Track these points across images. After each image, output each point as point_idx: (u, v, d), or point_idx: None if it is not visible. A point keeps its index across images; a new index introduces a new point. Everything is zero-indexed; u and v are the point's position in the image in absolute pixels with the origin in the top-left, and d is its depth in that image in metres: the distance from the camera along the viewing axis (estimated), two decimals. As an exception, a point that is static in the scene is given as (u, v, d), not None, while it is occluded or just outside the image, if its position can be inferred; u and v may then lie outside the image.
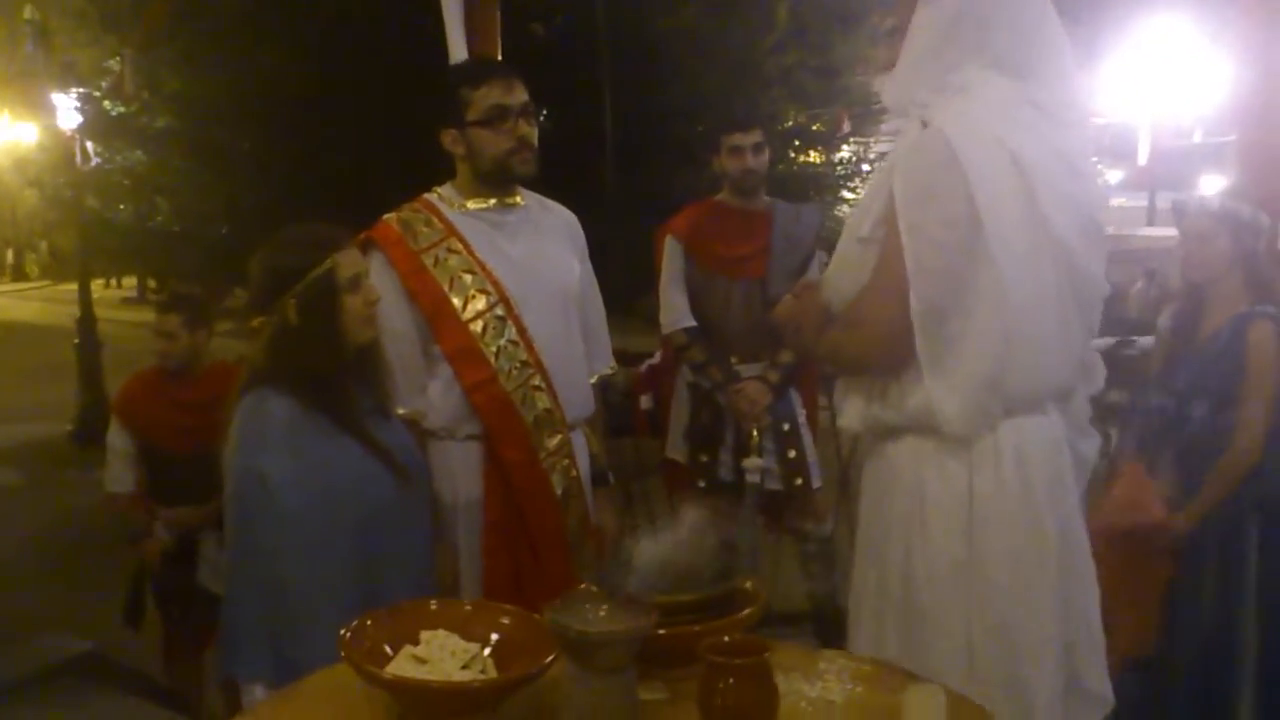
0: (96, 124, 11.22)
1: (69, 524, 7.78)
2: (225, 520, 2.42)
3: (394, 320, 2.78)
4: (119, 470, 4.31)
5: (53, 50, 11.35)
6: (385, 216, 2.94)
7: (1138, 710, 3.53)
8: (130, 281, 26.71)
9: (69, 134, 11.27)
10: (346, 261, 2.47)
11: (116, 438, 4.30)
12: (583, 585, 1.85)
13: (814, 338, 2.40)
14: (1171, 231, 3.87)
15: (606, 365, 3.25)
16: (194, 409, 4.09)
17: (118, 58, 9.84)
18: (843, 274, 2.34)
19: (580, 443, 3.04)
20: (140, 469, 4.36)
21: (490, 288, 2.87)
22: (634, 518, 4.63)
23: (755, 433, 4.30)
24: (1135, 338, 6.37)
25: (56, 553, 7.24)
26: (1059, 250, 2.17)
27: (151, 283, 21.64)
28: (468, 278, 2.86)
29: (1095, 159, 2.36)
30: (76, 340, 11.44)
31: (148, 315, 4.75)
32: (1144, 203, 22.47)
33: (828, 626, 4.53)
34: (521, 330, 2.88)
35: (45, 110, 12.57)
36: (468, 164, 2.92)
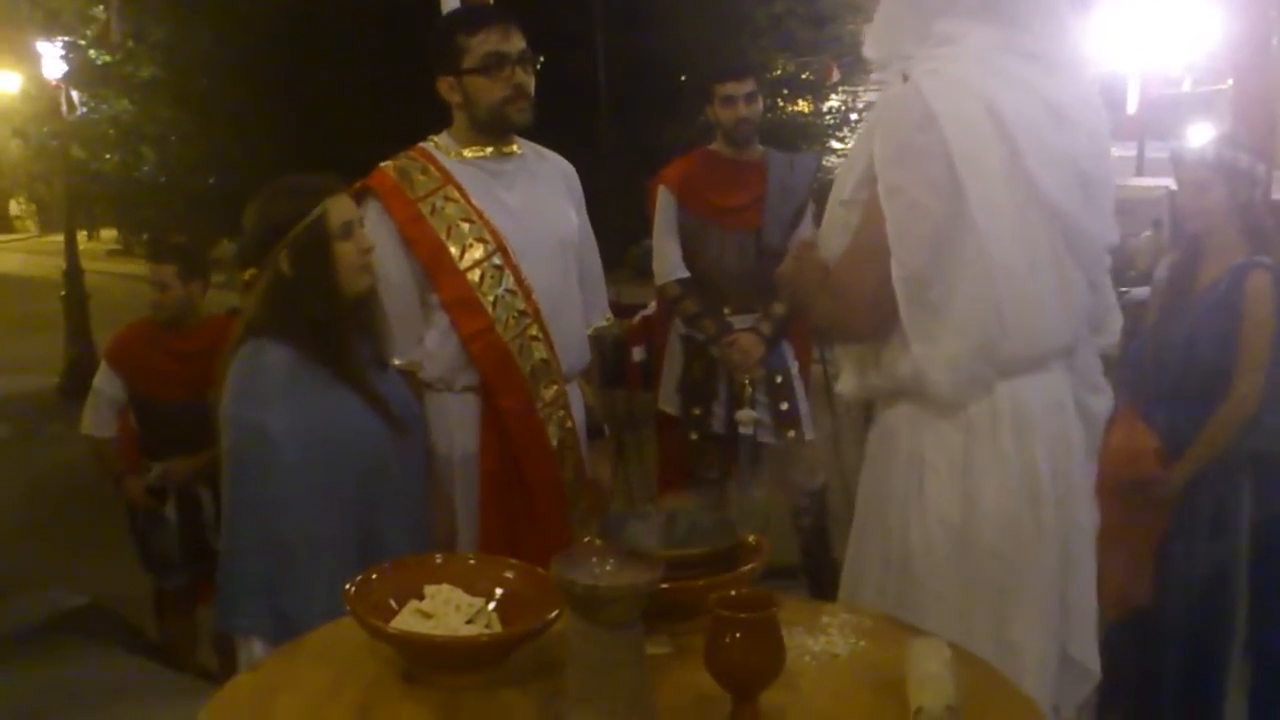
0: (82, 73, 11.12)
1: (57, 477, 7.77)
2: (223, 473, 2.41)
3: (391, 269, 2.76)
4: (103, 414, 4.29)
5: (36, -1, 11.21)
6: (381, 164, 2.91)
7: (1131, 662, 3.57)
8: (111, 233, 26.45)
9: (54, 83, 11.16)
10: (338, 209, 2.45)
11: (106, 383, 4.28)
12: (587, 539, 1.85)
13: (812, 297, 2.36)
14: (1162, 181, 3.85)
15: (603, 317, 3.24)
16: (188, 359, 4.08)
17: (103, 5, 9.73)
18: (831, 235, 2.29)
19: (576, 394, 3.03)
20: (127, 418, 4.35)
21: (488, 236, 2.84)
22: (626, 471, 4.64)
23: (748, 385, 4.29)
24: (1127, 289, 6.37)
25: (45, 507, 7.25)
26: (1049, 208, 2.10)
27: (123, 235, 21.53)
28: (465, 226, 2.84)
29: (1094, 99, 2.27)
30: (63, 292, 11.37)
31: (134, 267, 4.71)
32: (1133, 153, 22.40)
33: (819, 580, 4.55)
34: (519, 280, 2.86)
35: (30, 59, 12.44)
36: (464, 112, 2.89)
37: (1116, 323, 2.36)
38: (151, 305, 4.24)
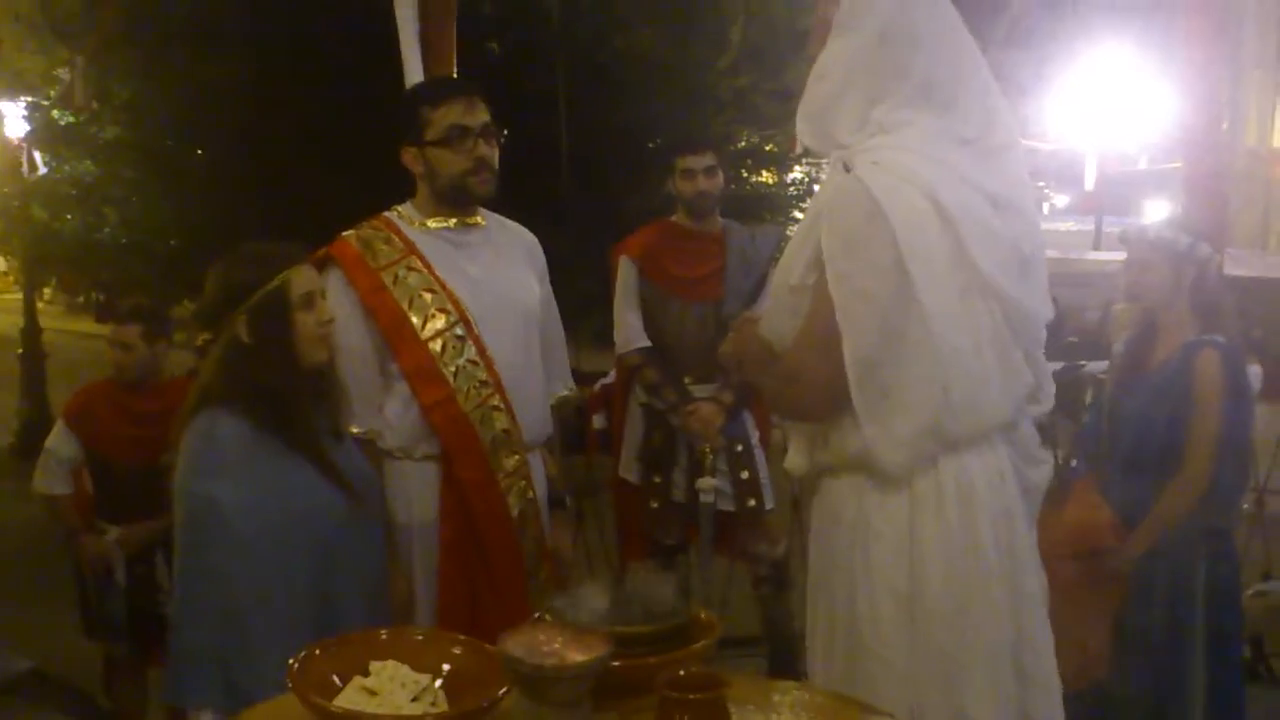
0: (45, 133, 11.10)
1: (7, 538, 7.64)
2: (176, 545, 2.38)
3: (351, 338, 2.76)
4: (56, 473, 4.22)
5: (1, 58, 11.20)
6: (344, 234, 2.91)
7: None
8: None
9: (16, 142, 11.13)
10: (300, 279, 2.45)
11: (61, 442, 4.21)
12: (536, 615, 1.83)
13: (756, 372, 2.40)
14: (1118, 255, 3.92)
15: (565, 387, 3.24)
16: (147, 420, 4.03)
17: (67, 67, 9.74)
18: (778, 317, 2.32)
19: (538, 464, 3.02)
20: (82, 480, 4.29)
21: (450, 306, 2.84)
22: (586, 538, 4.61)
23: (709, 453, 4.29)
24: (1083, 362, 6.42)
25: (-5, 567, 7.11)
26: (991, 291, 2.15)
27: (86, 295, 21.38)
28: (428, 296, 2.84)
29: (1032, 181, 2.32)
30: (20, 350, 11.26)
31: (91, 326, 4.68)
32: (1091, 227, 22.75)
33: (780, 650, 4.52)
34: (481, 350, 2.86)
35: (-8, 119, 12.41)
36: (426, 182, 2.90)
37: (1050, 389, 2.39)
38: (114, 366, 4.20)
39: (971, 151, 2.20)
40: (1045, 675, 2.27)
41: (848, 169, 2.17)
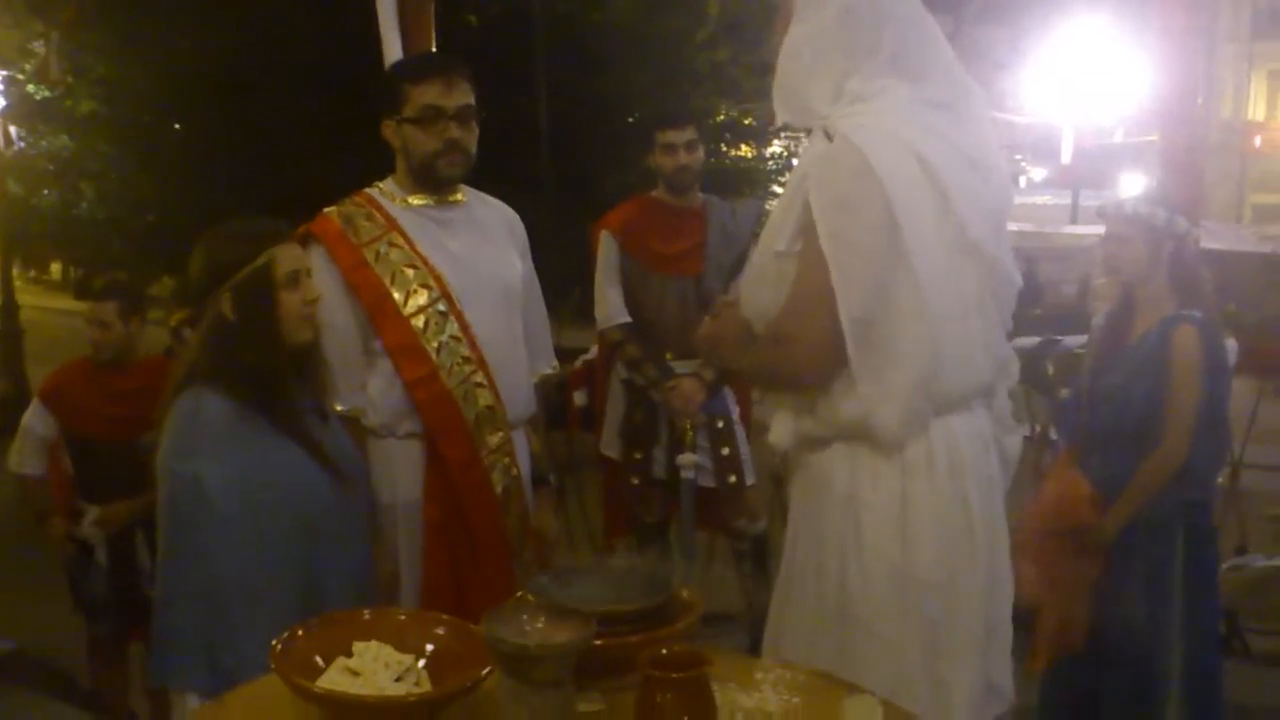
0: (20, 107, 11.00)
1: (-12, 518, 7.60)
2: (159, 524, 2.37)
3: (335, 315, 2.75)
4: (32, 453, 4.22)
5: (-27, 32, 11.09)
6: (326, 210, 2.90)
7: (1066, 707, 3.60)
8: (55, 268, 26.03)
9: (-9, 117, 11.03)
10: (285, 257, 2.44)
11: (37, 420, 4.21)
12: (519, 594, 1.83)
13: (735, 355, 2.40)
14: (1095, 229, 3.94)
15: (548, 365, 3.24)
16: (125, 398, 4.02)
17: (42, 40, 9.64)
18: (760, 289, 2.33)
19: (522, 441, 3.02)
20: (61, 459, 4.27)
21: (432, 282, 2.84)
22: (567, 515, 4.62)
23: (689, 429, 4.30)
24: (1060, 337, 6.45)
25: (-28, 547, 7.07)
26: (976, 250, 2.19)
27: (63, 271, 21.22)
28: (409, 272, 2.83)
29: (1009, 154, 2.36)
30: (-1, 327, 11.20)
31: (69, 303, 4.64)
32: (1068, 201, 22.82)
33: (762, 625, 4.53)
34: (464, 326, 2.85)
35: (-33, 94, 12.28)
36: (403, 158, 2.89)
37: (1015, 365, 2.44)
38: (92, 344, 4.18)
39: (947, 115, 2.23)
40: (1004, 631, 2.33)
41: (830, 136, 2.18)
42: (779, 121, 2.38)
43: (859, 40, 2.21)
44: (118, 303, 4.11)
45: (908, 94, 2.21)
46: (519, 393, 2.99)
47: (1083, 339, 4.65)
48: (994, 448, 2.31)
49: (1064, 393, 3.89)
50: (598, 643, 1.60)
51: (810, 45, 2.25)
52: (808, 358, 2.22)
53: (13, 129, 10.81)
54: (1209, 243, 3.94)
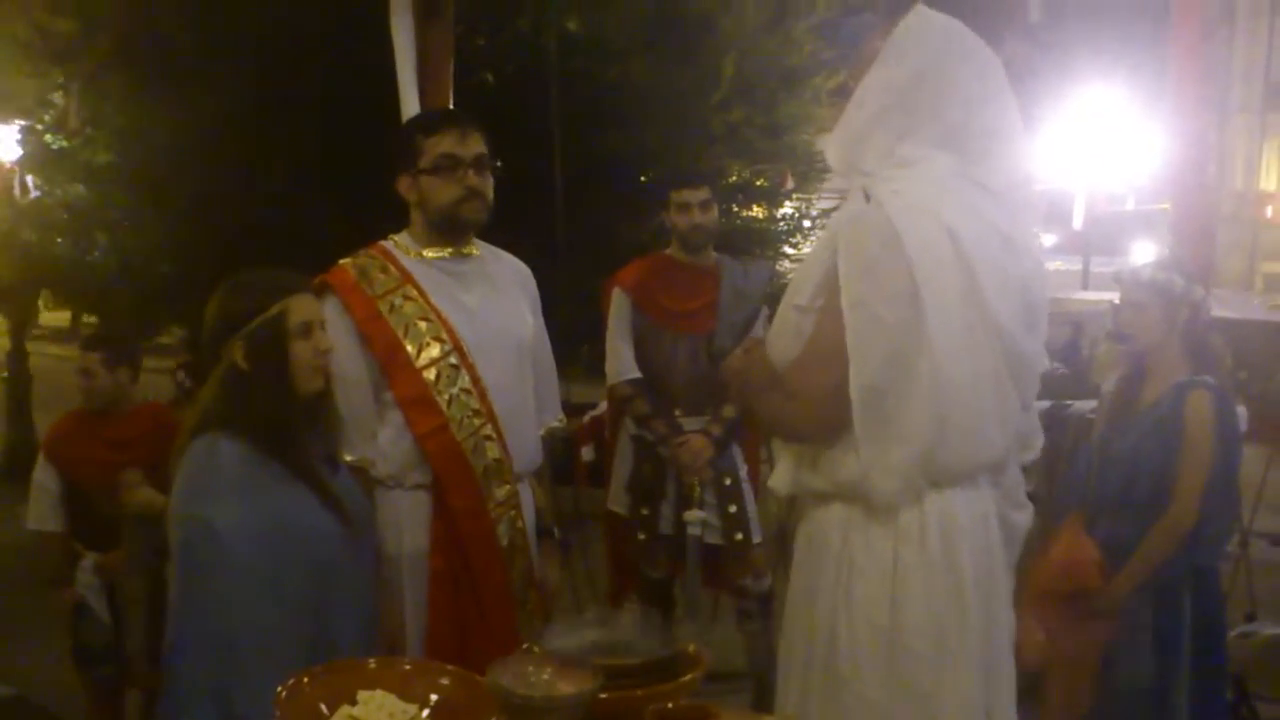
0: (37, 156, 11.07)
1: (-8, 563, 7.58)
2: (171, 571, 2.37)
3: (347, 366, 2.77)
4: (48, 509, 4.23)
5: (-6, 79, 11.21)
6: (341, 261, 2.92)
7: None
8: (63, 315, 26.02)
9: (8, 166, 11.13)
10: (299, 308, 2.46)
11: (45, 476, 4.23)
12: (525, 646, 1.83)
13: (757, 395, 2.41)
14: (1105, 295, 3.95)
15: (555, 418, 3.24)
16: (120, 447, 4.04)
17: (61, 91, 9.74)
18: (779, 340, 2.35)
19: (527, 494, 3.02)
20: (65, 511, 4.28)
21: (445, 335, 2.85)
22: (572, 569, 4.60)
23: (697, 486, 4.30)
24: (1070, 401, 6.43)
25: (-26, 593, 7.05)
26: (997, 330, 2.19)
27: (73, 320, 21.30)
28: (422, 325, 2.84)
29: (1036, 231, 2.39)
30: (5, 374, 11.21)
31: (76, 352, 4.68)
32: (1078, 266, 22.88)
33: (765, 685, 4.51)
34: (475, 379, 2.86)
35: (-14, 141, 12.42)
36: (420, 211, 2.91)
37: (1039, 440, 2.44)
38: (82, 393, 4.21)
39: (985, 192, 2.24)
40: (1007, 712, 2.29)
41: (868, 197, 2.20)
42: (792, 183, 2.41)
43: (922, 104, 2.23)
44: (102, 353, 4.14)
45: (952, 167, 2.22)
46: (526, 446, 3.00)
47: (1093, 404, 4.64)
48: (996, 522, 2.29)
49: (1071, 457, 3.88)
50: (603, 696, 1.59)
51: (878, 97, 2.27)
52: (810, 414, 2.25)
53: (29, 178, 10.89)
54: (1220, 311, 3.94)
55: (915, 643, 2.15)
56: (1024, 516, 2.39)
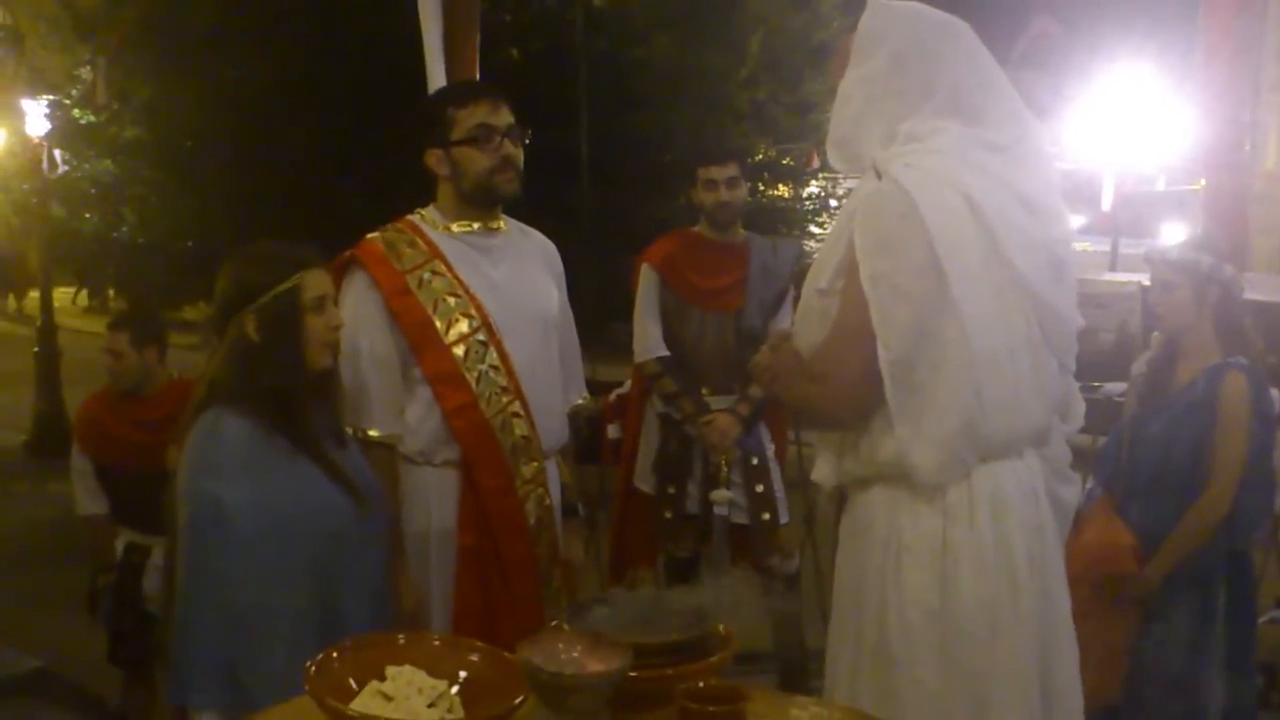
0: (65, 132, 11.13)
1: (20, 536, 7.63)
2: (179, 545, 2.36)
3: (375, 341, 2.77)
4: (89, 494, 4.26)
5: (23, 56, 11.25)
6: (369, 236, 2.91)
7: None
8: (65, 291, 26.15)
9: (37, 140, 11.17)
10: (313, 282, 2.45)
11: (80, 461, 4.26)
12: (554, 623, 1.82)
13: (789, 387, 2.39)
14: (1134, 277, 3.91)
15: (580, 395, 3.23)
16: (151, 427, 4.05)
17: (89, 66, 9.79)
18: (806, 325, 2.34)
19: (554, 472, 3.01)
20: (105, 492, 4.30)
21: (474, 311, 2.84)
22: (599, 547, 4.59)
23: (724, 465, 4.28)
24: (1100, 383, 6.37)
25: (5, 565, 7.10)
26: (1025, 293, 2.17)
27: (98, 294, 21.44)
28: (451, 300, 2.83)
29: (1052, 181, 2.35)
30: (36, 348, 11.29)
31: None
32: (1107, 248, 22.70)
33: (791, 666, 4.50)
34: (503, 356, 2.85)
35: (14, 116, 12.46)
36: (451, 184, 2.89)
37: (1080, 407, 2.41)
38: (109, 373, 4.22)
39: (1002, 156, 2.22)
40: (1070, 697, 2.27)
41: (880, 175, 2.18)
42: (816, 161, 2.39)
43: (911, 84, 2.23)
44: (128, 332, 4.14)
45: (961, 134, 2.21)
46: (553, 423, 2.99)
47: (1122, 386, 4.60)
48: (1045, 497, 2.26)
49: (1102, 440, 3.83)
50: (632, 674, 1.58)
51: (862, 91, 2.27)
52: (842, 396, 2.22)
53: (57, 153, 10.94)
54: (1251, 294, 3.88)
55: (967, 624, 2.12)
56: (1071, 491, 2.36)
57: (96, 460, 4.22)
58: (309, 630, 2.26)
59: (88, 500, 4.26)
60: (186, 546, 2.34)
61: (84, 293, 25.44)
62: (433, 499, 2.85)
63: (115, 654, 4.37)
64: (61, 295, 21.60)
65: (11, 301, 24.62)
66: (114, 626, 4.28)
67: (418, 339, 2.80)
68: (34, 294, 15.30)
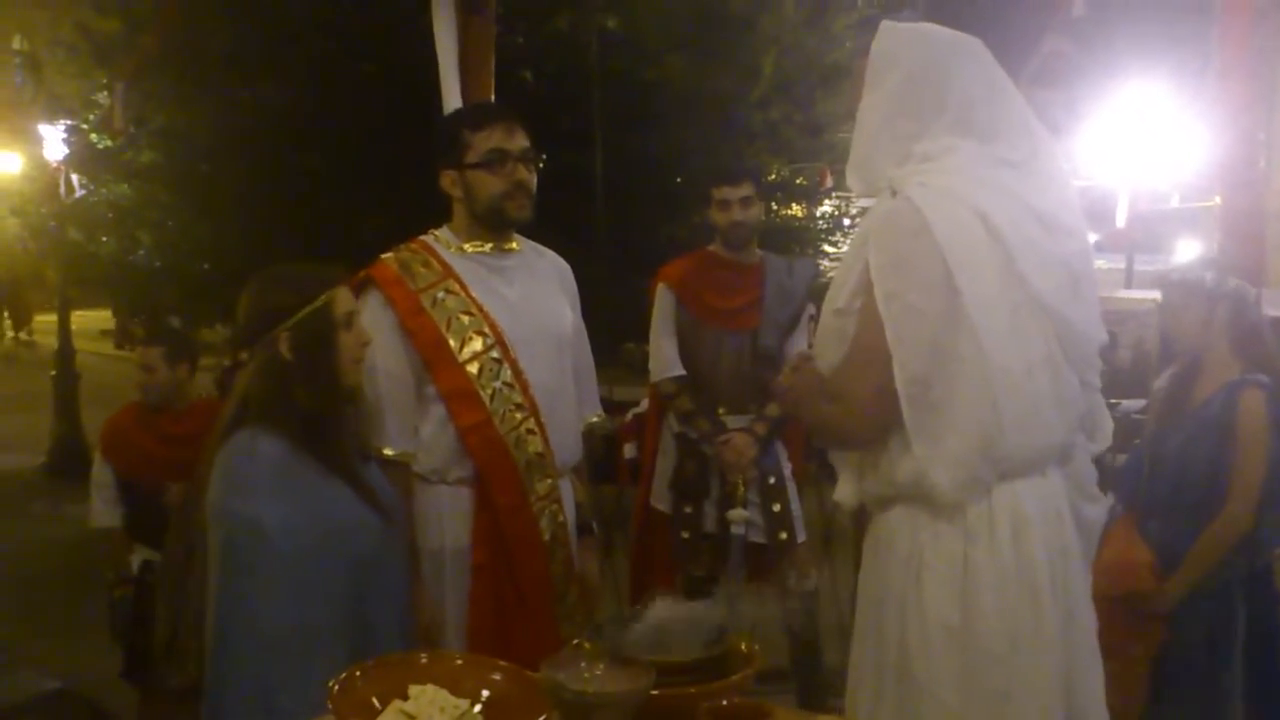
0: (82, 156, 11.21)
1: (39, 557, 7.66)
2: (213, 566, 2.36)
3: (389, 360, 2.78)
4: (106, 506, 4.27)
5: (41, 81, 11.35)
6: (383, 256, 2.93)
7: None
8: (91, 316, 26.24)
9: (54, 165, 11.26)
10: (342, 299, 2.46)
11: (101, 471, 4.27)
12: (576, 642, 1.82)
13: (810, 409, 2.39)
14: (1150, 294, 3.90)
15: (595, 413, 3.25)
16: (178, 443, 4.06)
17: (107, 91, 9.86)
18: (825, 346, 2.34)
19: (568, 489, 3.02)
20: (122, 505, 4.32)
21: (487, 329, 2.86)
22: (615, 567, 4.59)
23: (740, 484, 4.27)
24: (1118, 400, 6.35)
25: (24, 586, 7.12)
26: (1041, 309, 2.16)
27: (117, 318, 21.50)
28: (465, 319, 2.85)
29: (1070, 198, 2.35)
30: (53, 371, 11.34)
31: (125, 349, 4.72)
32: (1122, 265, 22.64)
33: (810, 684, 4.48)
34: (517, 373, 2.87)
35: (32, 140, 12.56)
36: (464, 206, 2.92)
37: (1108, 424, 2.40)
38: (139, 388, 4.24)
39: (1017, 172, 2.23)
40: (1096, 716, 2.24)
41: (894, 194, 2.18)
42: (854, 190, 2.40)
43: (924, 103, 2.24)
44: (164, 348, 4.17)
45: (976, 151, 2.21)
46: (568, 440, 3.01)
47: (1140, 403, 4.58)
48: (1070, 517, 2.25)
49: (1121, 457, 3.82)
50: (655, 693, 1.58)
51: (876, 114, 2.29)
52: (860, 415, 2.22)
53: (75, 177, 11.02)
54: (1269, 310, 3.87)
55: (988, 643, 2.11)
56: (1097, 510, 2.34)
57: (118, 472, 4.23)
58: (343, 649, 2.27)
59: (104, 512, 4.27)
60: (222, 567, 2.33)
61: (109, 315, 25.55)
62: (446, 516, 2.86)
63: (130, 671, 4.37)
64: (81, 319, 21.78)
65: (9, 328, 24.65)
66: (129, 643, 4.28)
67: (431, 357, 2.82)
68: (40, 318, 15.40)
